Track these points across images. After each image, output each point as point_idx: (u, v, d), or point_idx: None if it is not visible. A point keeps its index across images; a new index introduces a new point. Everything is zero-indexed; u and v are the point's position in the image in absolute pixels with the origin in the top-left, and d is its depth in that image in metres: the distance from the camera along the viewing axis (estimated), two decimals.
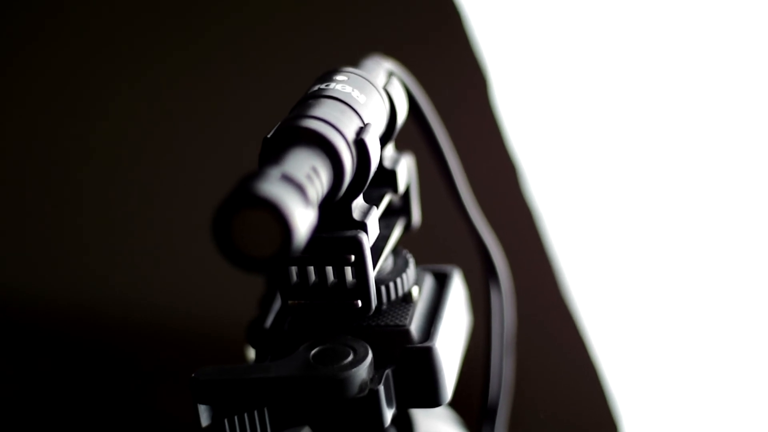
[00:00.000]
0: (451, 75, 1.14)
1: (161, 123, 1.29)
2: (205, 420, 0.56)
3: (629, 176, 1.09)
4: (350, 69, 0.58)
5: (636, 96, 1.08)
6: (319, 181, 0.50)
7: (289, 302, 0.56)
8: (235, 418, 0.55)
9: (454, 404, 0.71)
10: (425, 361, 0.57)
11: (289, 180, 0.47)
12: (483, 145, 1.14)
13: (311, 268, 0.56)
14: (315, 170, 0.50)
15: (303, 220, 0.46)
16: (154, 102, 1.27)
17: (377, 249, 0.59)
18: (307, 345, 0.57)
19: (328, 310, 0.56)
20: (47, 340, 1.38)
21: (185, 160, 1.28)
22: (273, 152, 0.51)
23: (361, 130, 0.54)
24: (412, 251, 0.65)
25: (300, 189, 0.47)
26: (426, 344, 0.57)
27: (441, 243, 0.95)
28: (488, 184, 1.12)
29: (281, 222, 0.45)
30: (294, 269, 0.56)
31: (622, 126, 1.09)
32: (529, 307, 1.14)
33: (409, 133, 0.68)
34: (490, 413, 0.71)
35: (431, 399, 0.57)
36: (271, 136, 0.52)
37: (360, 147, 0.53)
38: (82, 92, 1.30)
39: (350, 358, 0.56)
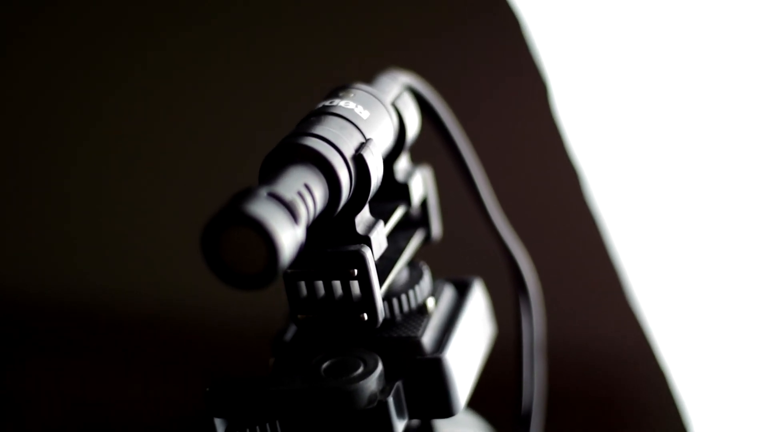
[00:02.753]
0: (512, 82, 1.15)
1: (156, 121, 1.32)
2: None
3: (691, 179, 1.07)
4: (359, 85, 0.59)
5: (696, 99, 1.06)
6: (311, 198, 0.51)
7: (298, 316, 0.57)
8: (247, 430, 0.56)
9: (490, 413, 0.72)
10: (435, 372, 0.58)
11: (276, 198, 0.48)
12: (544, 152, 1.14)
13: (319, 283, 0.57)
14: (308, 187, 0.51)
15: (288, 237, 0.47)
16: (157, 100, 1.30)
17: (389, 262, 0.60)
18: (319, 357, 0.58)
19: (335, 323, 0.57)
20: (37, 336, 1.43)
21: (186, 160, 1.30)
22: (270, 169, 0.52)
23: (361, 146, 0.55)
24: (443, 262, 0.66)
25: (287, 207, 0.48)
26: (435, 355, 0.58)
27: (475, 253, 0.95)
28: (550, 190, 1.12)
29: (266, 240, 0.46)
30: (302, 284, 0.57)
31: (684, 129, 1.07)
32: (593, 310, 1.14)
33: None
34: (524, 422, 0.71)
35: (443, 409, 0.58)
36: (270, 153, 0.53)
37: (359, 162, 0.54)
38: (77, 90, 1.33)
39: (360, 370, 0.57)
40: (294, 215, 0.48)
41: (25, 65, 1.37)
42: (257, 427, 0.56)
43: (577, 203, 1.11)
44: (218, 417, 0.57)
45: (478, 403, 0.70)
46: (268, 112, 1.07)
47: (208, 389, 0.57)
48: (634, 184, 1.09)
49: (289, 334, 0.61)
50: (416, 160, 0.66)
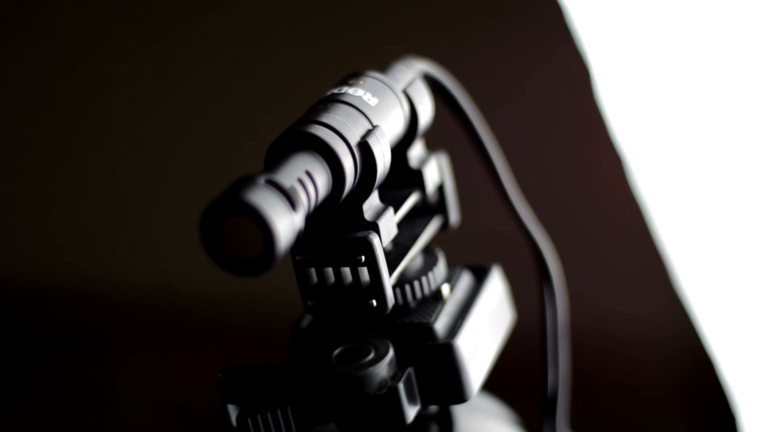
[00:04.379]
0: (555, 69, 1.14)
1: (164, 111, 1.33)
2: (234, 420, 0.58)
3: (740, 168, 1.06)
4: (370, 72, 0.59)
5: (742, 85, 1.05)
6: (313, 186, 0.51)
7: (309, 303, 0.57)
8: (258, 417, 0.57)
9: (516, 397, 0.72)
10: (446, 358, 0.57)
11: (274, 185, 0.48)
12: (588, 139, 1.13)
13: (329, 269, 0.57)
14: (309, 174, 0.51)
15: (284, 224, 0.47)
16: (164, 85, 1.32)
17: (402, 248, 0.60)
18: (332, 344, 0.58)
19: (345, 310, 0.57)
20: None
21: (205, 146, 1.32)
22: (275, 156, 0.52)
23: (367, 133, 0.55)
24: (468, 249, 0.66)
25: (284, 194, 0.48)
26: (446, 341, 0.58)
27: (501, 239, 0.94)
28: (594, 178, 1.12)
29: (262, 226, 0.47)
30: (312, 270, 0.57)
31: (731, 116, 1.06)
32: (638, 301, 1.13)
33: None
34: (550, 409, 0.71)
35: (455, 395, 0.58)
36: (275, 140, 0.53)
37: (364, 149, 0.54)
38: (69, 75, 1.35)
39: (371, 356, 0.57)
40: (292, 202, 0.48)
41: (17, 55, 1.40)
42: (268, 414, 0.57)
43: (622, 191, 1.10)
44: (230, 403, 0.58)
45: (503, 387, 0.70)
46: (285, 98, 1.08)
47: (220, 376, 0.58)
48: (679, 172, 1.08)
49: (305, 322, 0.62)
50: (440, 146, 0.66)
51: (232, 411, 0.58)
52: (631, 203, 1.09)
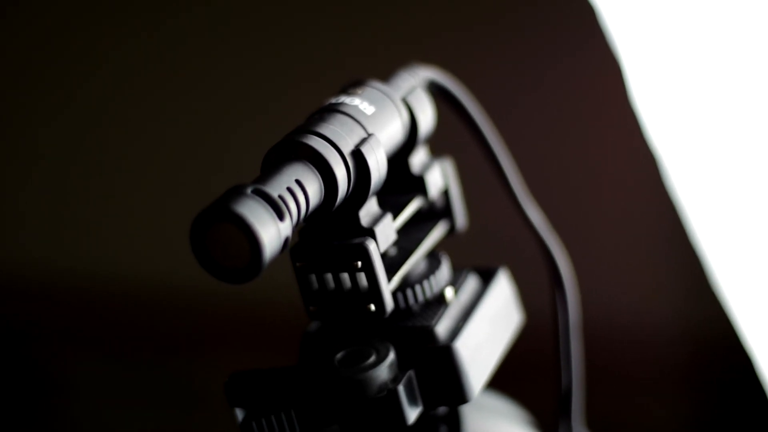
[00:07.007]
0: (586, 67, 1.14)
1: (165, 118, 1.35)
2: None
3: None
4: (370, 82, 0.61)
5: None
6: (303, 194, 0.53)
7: (311, 308, 0.59)
8: (263, 420, 0.58)
9: (534, 401, 0.73)
10: (446, 360, 0.58)
11: (261, 195, 0.50)
12: (621, 137, 1.13)
13: (329, 275, 0.58)
14: (300, 184, 0.53)
15: (270, 233, 0.49)
16: (166, 93, 1.34)
17: (404, 252, 0.61)
18: (335, 348, 0.60)
19: (345, 314, 0.58)
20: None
21: (211, 154, 1.33)
22: (269, 165, 0.54)
23: (362, 142, 0.56)
24: (486, 252, 0.67)
25: (271, 203, 0.50)
26: (445, 343, 0.59)
27: (516, 242, 0.95)
28: (627, 175, 1.12)
29: (247, 235, 0.48)
30: (313, 276, 0.58)
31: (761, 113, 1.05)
32: (677, 299, 1.13)
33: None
34: (564, 409, 0.71)
35: (456, 397, 0.59)
36: (270, 150, 0.55)
37: (358, 158, 0.55)
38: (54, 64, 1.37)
39: (372, 359, 0.58)
40: (279, 211, 0.50)
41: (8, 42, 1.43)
42: (273, 417, 0.58)
43: (656, 189, 1.10)
44: (237, 407, 0.59)
45: (518, 387, 0.71)
46: (290, 104, 1.09)
47: (227, 381, 0.59)
48: (712, 168, 1.07)
49: (314, 326, 0.63)
50: (454, 150, 0.67)
51: (239, 414, 0.59)
52: (666, 202, 1.09)
